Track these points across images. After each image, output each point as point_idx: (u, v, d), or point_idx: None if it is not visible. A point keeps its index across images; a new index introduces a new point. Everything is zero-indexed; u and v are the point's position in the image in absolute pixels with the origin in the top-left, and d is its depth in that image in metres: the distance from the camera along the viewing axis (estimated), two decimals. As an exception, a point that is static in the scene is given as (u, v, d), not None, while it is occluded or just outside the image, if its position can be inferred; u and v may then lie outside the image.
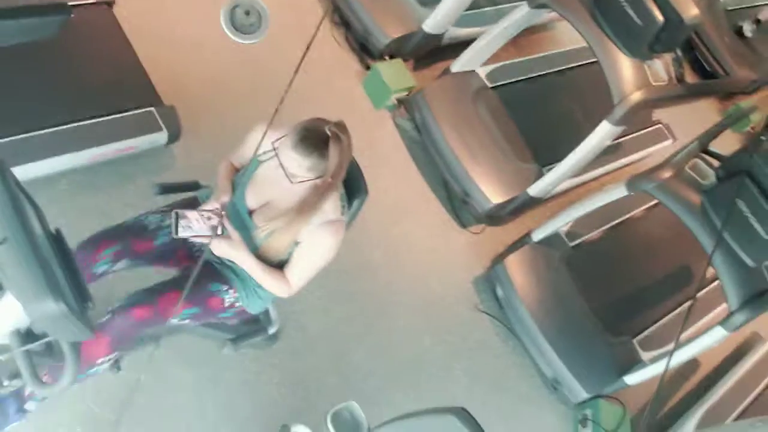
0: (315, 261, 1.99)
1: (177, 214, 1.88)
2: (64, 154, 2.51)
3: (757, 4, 5.47)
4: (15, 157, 2.35)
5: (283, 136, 1.83)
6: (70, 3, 2.63)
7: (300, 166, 1.81)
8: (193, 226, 1.90)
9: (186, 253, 2.14)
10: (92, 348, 1.92)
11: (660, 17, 2.89)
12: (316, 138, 1.80)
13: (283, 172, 1.84)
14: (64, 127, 2.54)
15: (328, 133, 1.81)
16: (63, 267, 1.50)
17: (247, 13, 2.02)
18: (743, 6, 5.41)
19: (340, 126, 1.84)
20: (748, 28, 5.12)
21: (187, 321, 2.05)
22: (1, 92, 2.50)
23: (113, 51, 2.84)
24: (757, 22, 5.17)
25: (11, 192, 1.50)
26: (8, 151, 2.37)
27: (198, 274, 1.99)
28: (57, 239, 1.56)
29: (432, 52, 3.85)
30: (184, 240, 1.96)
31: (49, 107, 2.56)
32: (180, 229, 1.88)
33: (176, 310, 1.95)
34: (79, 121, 2.58)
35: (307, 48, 1.58)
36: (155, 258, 2.07)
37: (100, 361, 1.95)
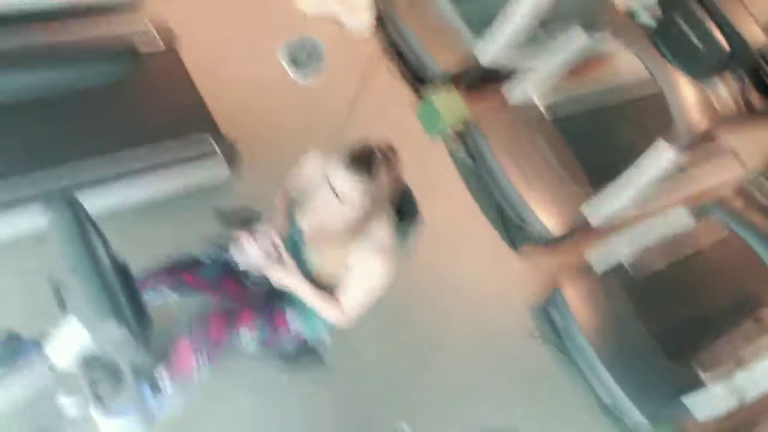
0: (366, 287, 1.99)
1: (235, 241, 1.94)
2: (129, 188, 2.62)
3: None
4: (84, 192, 2.46)
5: (335, 159, 1.87)
6: (138, 48, 2.79)
7: (351, 188, 1.82)
8: (249, 251, 1.95)
9: (239, 285, 2.21)
10: (178, 360, 2.02)
11: (725, 43, 2.82)
12: (366, 159, 1.82)
13: (329, 196, 1.87)
14: (131, 164, 2.65)
15: (379, 155, 1.83)
16: (126, 295, 1.57)
17: (306, 52, 2.09)
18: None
19: (390, 147, 1.87)
20: None
21: (255, 339, 2.12)
22: (73, 131, 2.63)
23: (177, 91, 2.96)
24: None
25: (81, 225, 1.59)
26: (77, 186, 2.47)
27: (268, 295, 2.07)
28: (122, 268, 1.64)
29: (487, 82, 3.85)
30: (238, 272, 2.02)
31: (114, 144, 2.67)
32: (236, 254, 1.94)
33: (251, 327, 2.05)
34: (142, 160, 2.69)
35: (365, 78, 1.61)
36: (207, 290, 2.17)
37: (192, 367, 2.04)
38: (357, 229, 1.92)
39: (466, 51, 3.70)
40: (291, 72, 2.08)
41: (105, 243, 1.70)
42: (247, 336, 2.08)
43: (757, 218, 2.59)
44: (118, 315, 1.47)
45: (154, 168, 2.68)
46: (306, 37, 2.42)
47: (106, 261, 1.63)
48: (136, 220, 2.72)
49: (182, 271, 2.13)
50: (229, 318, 2.05)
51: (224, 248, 2.17)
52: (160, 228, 2.74)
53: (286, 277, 1.99)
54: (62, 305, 1.59)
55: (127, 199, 2.65)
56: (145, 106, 2.85)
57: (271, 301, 2.13)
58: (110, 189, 2.56)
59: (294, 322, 2.14)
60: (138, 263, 2.07)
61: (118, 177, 2.59)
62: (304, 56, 2.01)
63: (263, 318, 2.10)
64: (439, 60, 3.65)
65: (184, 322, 2.04)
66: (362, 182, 1.82)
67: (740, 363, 2.71)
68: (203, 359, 2.04)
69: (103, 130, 2.69)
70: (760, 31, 2.85)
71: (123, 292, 1.56)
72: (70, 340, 1.58)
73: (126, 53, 2.47)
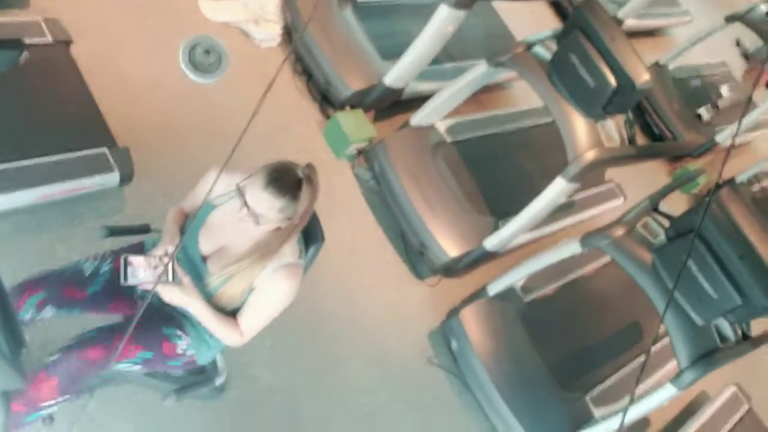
0: (271, 307, 1.93)
1: (125, 259, 1.82)
2: (10, 192, 2.42)
3: (708, 73, 5.79)
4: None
5: (249, 176, 1.80)
6: (27, 41, 2.60)
7: (271, 207, 1.78)
8: (140, 273, 1.83)
9: (126, 301, 2.06)
10: (38, 390, 1.82)
11: (613, 81, 3.00)
12: (288, 179, 1.79)
13: (240, 215, 1.80)
14: (12, 164, 2.47)
15: (300, 175, 1.80)
16: (-3, 311, 1.42)
17: (207, 52, 2.02)
18: (692, 75, 5.70)
19: (312, 168, 1.85)
20: (706, 114, 5.40)
21: (138, 367, 1.96)
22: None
23: (68, 89, 2.80)
24: (716, 107, 5.45)
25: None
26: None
27: (153, 316, 1.93)
28: (-7, 281, 1.49)
29: (393, 104, 3.91)
30: (126, 287, 1.88)
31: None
32: (129, 276, 1.81)
33: (131, 352, 1.88)
34: (28, 158, 2.51)
35: (266, 90, 1.57)
36: (89, 305, 1.99)
37: (45, 405, 1.85)
38: (265, 250, 1.86)
39: (374, 73, 3.73)
40: (190, 72, 2.00)
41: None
42: (129, 363, 1.94)
43: (639, 250, 2.75)
44: (-14, 335, 1.34)
45: (38, 173, 2.50)
46: (204, 35, 2.33)
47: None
48: (16, 229, 2.52)
49: (65, 285, 1.95)
50: (107, 350, 1.86)
51: (109, 259, 2.03)
52: (42, 239, 2.55)
53: (182, 296, 1.88)
54: None
55: (7, 205, 2.45)
56: (33, 107, 2.66)
57: (157, 322, 1.99)
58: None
59: (183, 344, 2.01)
60: (15, 276, 1.91)
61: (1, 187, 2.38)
62: (206, 58, 1.94)
63: (147, 343, 1.94)
64: (348, 80, 3.66)
65: (55, 351, 1.85)
66: (283, 203, 1.78)
67: (631, 399, 2.85)
68: (68, 395, 1.87)
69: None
70: (646, 72, 3.07)
71: (-7, 310, 1.42)
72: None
73: (10, 43, 2.28)
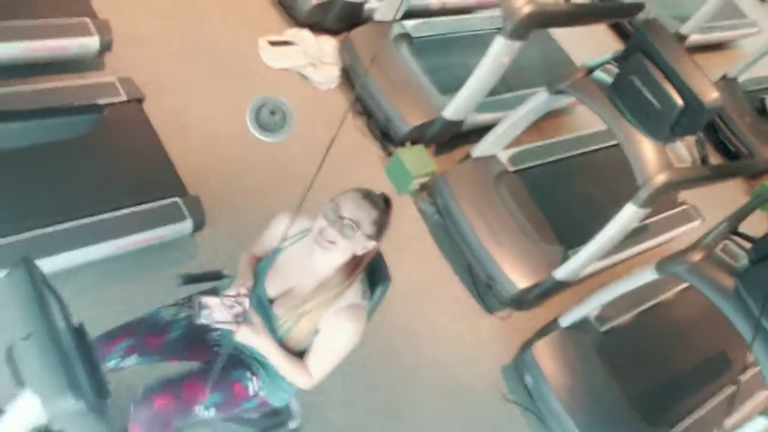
0: (336, 348, 1.94)
1: (200, 300, 1.87)
2: (90, 245, 2.54)
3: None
4: (42, 250, 2.39)
5: (344, 192, 1.89)
6: (102, 101, 2.77)
7: (369, 215, 1.86)
8: (215, 313, 1.88)
9: (202, 347, 2.11)
10: None
11: (680, 101, 2.91)
12: (377, 197, 1.91)
13: (342, 228, 1.83)
14: (92, 219, 2.59)
15: (386, 197, 1.93)
16: (84, 362, 1.48)
17: (273, 112, 2.10)
18: (763, 87, 5.46)
19: (387, 197, 1.95)
20: None
21: (212, 411, 2.00)
22: (32, 186, 2.57)
23: (142, 145, 2.94)
24: None
25: (37, 287, 1.51)
26: (36, 244, 2.41)
27: (223, 364, 1.97)
28: (79, 333, 1.55)
29: (453, 138, 3.92)
30: (202, 333, 1.93)
31: (78, 200, 2.62)
32: (202, 315, 1.86)
33: (201, 397, 1.91)
34: (107, 212, 2.64)
35: (333, 139, 1.60)
36: (168, 353, 2.05)
37: None
38: (332, 289, 1.88)
39: (433, 108, 3.76)
40: (258, 133, 2.08)
41: (62, 306, 1.61)
42: (202, 407, 1.97)
43: (720, 275, 2.62)
44: (74, 387, 1.39)
45: (116, 225, 2.62)
46: (270, 97, 2.42)
47: (62, 325, 1.54)
48: (97, 280, 2.63)
49: (147, 333, 2.02)
50: (176, 397, 1.90)
51: (187, 307, 2.09)
52: (121, 289, 2.65)
53: (254, 337, 1.91)
54: (17, 377, 1.49)
55: (89, 258, 2.57)
56: (110, 162, 2.80)
57: (227, 368, 2.00)
58: (69, 248, 2.49)
59: (255, 386, 2.04)
60: (98, 325, 1.98)
61: (77, 236, 2.51)
62: (272, 118, 2.02)
63: (217, 387, 1.97)
64: (407, 117, 3.69)
65: (138, 398, 1.91)
66: (377, 215, 1.87)
67: None
68: None
69: (63, 187, 2.63)
70: (714, 89, 2.96)
71: (80, 361, 1.48)
72: (25, 415, 1.48)
73: (89, 108, 2.43)
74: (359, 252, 1.90)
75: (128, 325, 2.02)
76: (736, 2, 6.32)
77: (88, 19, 3.07)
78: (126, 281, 2.69)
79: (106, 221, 2.61)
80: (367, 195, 1.89)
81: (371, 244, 1.90)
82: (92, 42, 3.05)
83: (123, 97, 2.99)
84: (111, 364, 1.96)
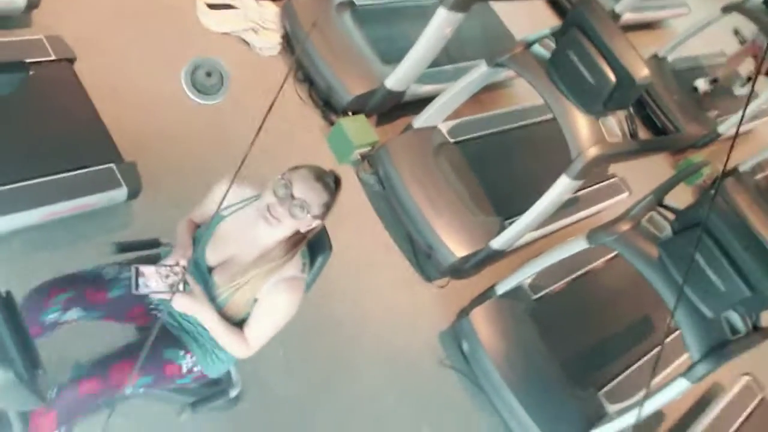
0: (274, 319, 1.95)
1: (137, 269, 1.83)
2: (19, 211, 2.45)
3: (707, 64, 5.78)
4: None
5: (283, 174, 1.84)
6: (29, 60, 2.63)
7: (319, 198, 1.86)
8: (152, 282, 1.85)
9: (142, 310, 2.07)
10: (38, 422, 1.82)
11: (612, 77, 3.01)
12: (329, 179, 1.90)
13: (266, 213, 1.81)
14: (20, 184, 2.48)
15: (337, 177, 1.92)
16: (12, 332, 1.44)
17: (209, 74, 2.04)
18: (690, 65, 5.69)
19: (339, 175, 1.94)
20: (703, 85, 5.38)
21: (141, 390, 1.98)
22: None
23: (73, 107, 2.81)
24: (714, 81, 5.44)
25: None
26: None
27: (153, 340, 1.93)
28: (7, 302, 1.50)
29: (395, 108, 3.92)
30: (142, 296, 1.90)
31: (5, 164, 2.50)
32: (139, 285, 1.82)
33: (129, 381, 1.88)
34: (36, 177, 2.53)
35: (271, 105, 1.59)
36: (109, 311, 2.00)
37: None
38: (272, 261, 1.87)
39: (375, 77, 3.75)
40: (193, 95, 2.02)
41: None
42: (130, 390, 1.93)
43: (645, 245, 2.75)
44: (2, 357, 1.35)
45: (46, 191, 2.52)
46: (205, 58, 2.36)
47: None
48: (25, 248, 2.54)
49: (88, 286, 1.96)
50: (102, 381, 1.85)
51: (129, 267, 2.03)
52: (52, 256, 2.56)
53: (193, 305, 1.89)
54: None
55: (16, 225, 2.47)
56: (38, 125, 2.67)
57: (159, 346, 1.97)
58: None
59: (188, 363, 2.02)
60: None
61: (4, 202, 2.40)
62: (208, 80, 1.97)
63: (146, 369, 1.93)
64: (349, 85, 3.67)
65: (63, 384, 1.84)
66: (327, 198, 1.87)
67: (646, 395, 2.85)
68: (70, 424, 1.88)
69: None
70: (645, 66, 3.07)
71: (8, 331, 1.43)
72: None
73: (13, 66, 2.30)
74: (303, 229, 1.90)
75: (67, 277, 1.96)
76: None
77: (11, -27, 2.91)
78: (56, 249, 2.60)
79: (34, 187, 2.50)
80: (320, 177, 1.87)
81: (317, 223, 1.90)
82: (17, -4, 2.89)
83: (51, 56, 2.85)
84: (52, 317, 1.89)
